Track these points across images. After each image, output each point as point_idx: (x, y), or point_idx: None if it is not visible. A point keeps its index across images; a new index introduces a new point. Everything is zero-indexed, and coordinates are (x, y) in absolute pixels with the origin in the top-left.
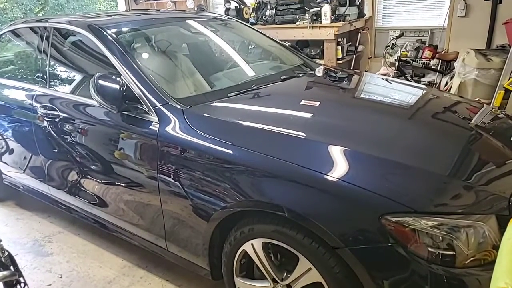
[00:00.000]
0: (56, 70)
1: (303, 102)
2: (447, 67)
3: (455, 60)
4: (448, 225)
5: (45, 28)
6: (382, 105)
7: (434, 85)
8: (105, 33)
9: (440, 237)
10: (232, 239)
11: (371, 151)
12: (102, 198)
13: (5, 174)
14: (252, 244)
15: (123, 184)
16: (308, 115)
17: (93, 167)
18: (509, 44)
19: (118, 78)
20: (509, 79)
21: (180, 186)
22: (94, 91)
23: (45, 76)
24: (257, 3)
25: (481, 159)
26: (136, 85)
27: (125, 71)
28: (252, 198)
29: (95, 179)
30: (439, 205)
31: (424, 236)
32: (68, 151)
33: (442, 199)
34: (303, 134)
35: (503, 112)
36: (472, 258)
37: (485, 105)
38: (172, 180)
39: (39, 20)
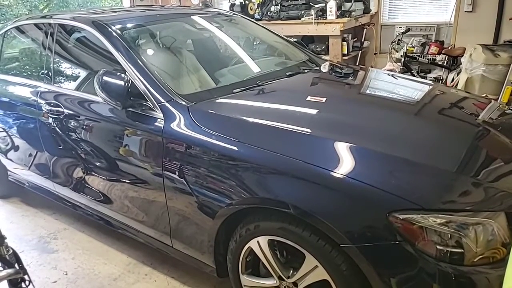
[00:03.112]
0: (61, 67)
1: (308, 98)
2: (453, 62)
3: (462, 56)
4: (456, 222)
5: (49, 24)
6: (388, 101)
7: (440, 81)
8: (109, 29)
9: (449, 235)
10: (237, 236)
11: (377, 148)
12: (107, 195)
13: (10, 171)
14: (258, 242)
15: (128, 181)
16: (314, 111)
17: (97, 163)
18: None
19: (122, 75)
20: None
21: (185, 183)
22: (99, 88)
23: (49, 72)
24: None
25: (489, 155)
26: (141, 81)
27: (130, 67)
28: (258, 195)
29: (99, 176)
30: (447, 202)
31: (432, 234)
32: (72, 147)
33: (450, 196)
34: (308, 130)
35: (511, 108)
36: (481, 256)
37: (492, 101)
38: (177, 177)
39: (44, 17)
